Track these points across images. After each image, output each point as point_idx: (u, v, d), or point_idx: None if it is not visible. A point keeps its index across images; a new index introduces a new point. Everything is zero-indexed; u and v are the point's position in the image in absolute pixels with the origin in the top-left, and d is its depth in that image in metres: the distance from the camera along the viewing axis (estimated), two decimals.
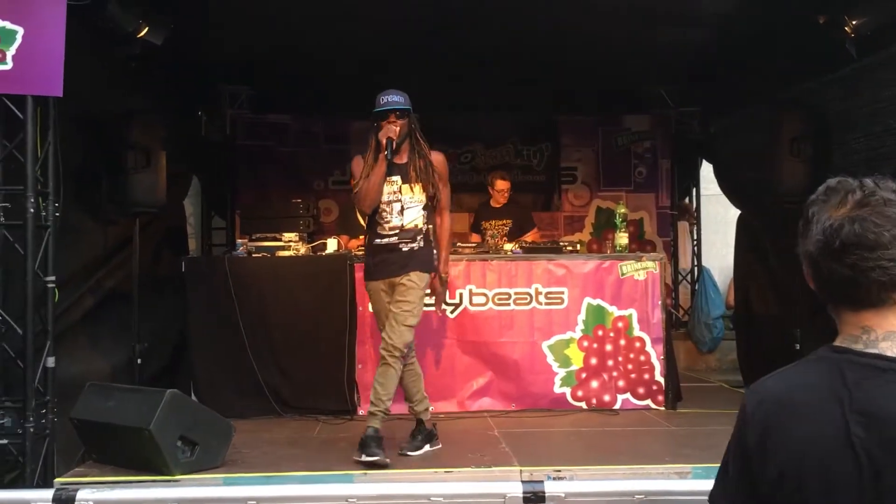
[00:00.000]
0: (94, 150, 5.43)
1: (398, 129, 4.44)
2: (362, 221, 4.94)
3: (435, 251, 4.67)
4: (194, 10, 5.61)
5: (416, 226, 4.53)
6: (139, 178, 5.48)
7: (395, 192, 4.53)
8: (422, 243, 4.55)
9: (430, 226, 4.63)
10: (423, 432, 4.69)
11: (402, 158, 4.55)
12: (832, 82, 5.86)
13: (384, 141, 4.41)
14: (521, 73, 7.42)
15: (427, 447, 4.65)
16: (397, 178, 4.53)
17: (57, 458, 4.26)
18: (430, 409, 4.83)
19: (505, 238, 6.43)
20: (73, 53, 4.21)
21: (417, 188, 4.53)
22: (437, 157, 4.64)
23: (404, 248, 4.50)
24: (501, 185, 6.98)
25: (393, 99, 4.48)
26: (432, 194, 4.58)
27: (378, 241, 4.57)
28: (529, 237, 6.74)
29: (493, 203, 7.04)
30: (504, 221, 6.74)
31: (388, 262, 4.53)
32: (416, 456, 4.54)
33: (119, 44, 5.24)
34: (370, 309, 4.82)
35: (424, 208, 4.57)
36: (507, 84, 7.76)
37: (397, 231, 4.51)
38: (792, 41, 5.97)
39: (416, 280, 4.49)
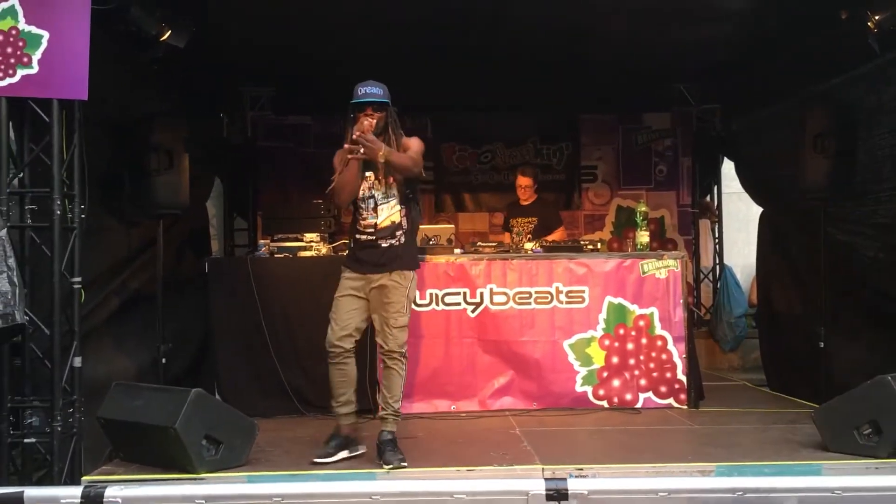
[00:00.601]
0: (117, 153, 5.49)
1: (374, 121, 4.31)
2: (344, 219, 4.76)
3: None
4: (215, 13, 5.66)
5: (393, 222, 4.42)
6: (162, 180, 5.53)
7: (369, 189, 4.42)
8: (402, 239, 4.45)
9: (413, 221, 4.53)
10: (337, 438, 4.47)
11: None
12: (857, 78, 5.81)
13: (356, 136, 4.27)
14: (540, 72, 7.41)
15: (345, 453, 4.41)
16: (370, 174, 4.43)
17: (84, 456, 4.33)
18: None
19: (529, 235, 6.42)
20: (97, 57, 4.27)
21: (388, 184, 4.41)
22: (411, 140, 4.47)
23: (383, 245, 4.41)
24: (521, 180, 6.96)
25: (371, 91, 4.34)
26: (402, 192, 4.45)
27: (358, 236, 4.48)
28: (553, 235, 6.71)
29: (520, 202, 7.01)
30: (529, 219, 6.73)
31: (367, 258, 4.42)
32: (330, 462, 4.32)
33: (142, 47, 5.29)
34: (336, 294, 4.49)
35: (402, 202, 4.45)
36: (526, 83, 7.75)
37: (373, 229, 4.42)
38: (814, 37, 5.93)
39: (398, 279, 4.42)
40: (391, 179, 4.42)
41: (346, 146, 4.32)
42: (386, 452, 4.28)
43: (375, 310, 4.45)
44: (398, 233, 4.45)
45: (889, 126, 5.37)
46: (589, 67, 7.26)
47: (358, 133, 4.26)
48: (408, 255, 4.51)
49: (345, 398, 4.48)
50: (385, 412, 4.44)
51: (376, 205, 4.42)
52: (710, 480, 3.58)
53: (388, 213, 4.42)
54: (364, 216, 4.44)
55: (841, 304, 6.00)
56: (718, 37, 6.50)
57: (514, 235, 6.42)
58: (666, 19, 6.01)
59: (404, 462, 4.23)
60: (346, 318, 4.43)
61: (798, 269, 6.78)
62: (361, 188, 4.44)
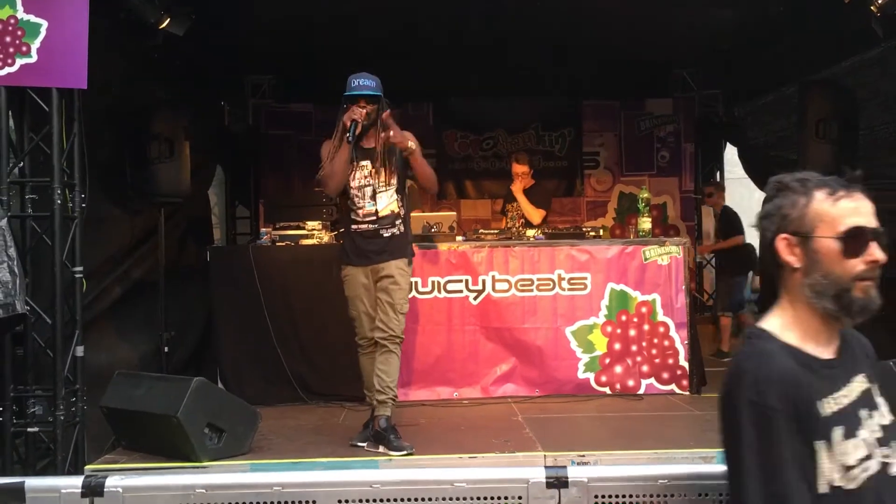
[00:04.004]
0: (118, 141, 5.49)
1: (365, 112, 4.34)
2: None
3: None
4: (216, 1, 5.64)
5: (392, 211, 4.44)
6: (163, 169, 5.54)
7: (366, 177, 4.43)
8: (402, 228, 4.49)
9: (407, 210, 4.56)
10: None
11: (370, 143, 4.44)
12: (862, 64, 5.78)
13: (348, 123, 4.31)
14: (543, 58, 7.38)
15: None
16: (367, 163, 4.43)
17: (88, 445, 4.34)
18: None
19: (522, 220, 6.37)
20: (97, 46, 4.25)
21: (389, 172, 4.43)
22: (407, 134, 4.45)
23: (385, 234, 4.43)
24: (517, 168, 6.87)
25: (364, 83, 4.37)
26: (401, 180, 4.48)
27: (354, 227, 4.48)
28: (528, 211, 6.59)
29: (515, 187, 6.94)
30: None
31: (368, 249, 4.44)
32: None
33: (141, 35, 5.28)
34: (346, 293, 4.56)
35: (398, 191, 4.47)
36: (529, 69, 7.73)
37: (373, 217, 4.42)
38: (818, 22, 5.89)
39: (404, 267, 4.46)
40: (391, 168, 4.42)
41: (346, 136, 4.32)
42: (392, 439, 4.30)
43: (380, 295, 4.44)
44: (398, 222, 4.46)
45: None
46: (591, 53, 7.23)
47: (386, 115, 4.29)
48: (407, 244, 4.55)
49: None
50: (385, 396, 4.42)
51: (375, 193, 4.41)
52: (712, 467, 3.58)
53: (388, 201, 4.42)
54: (361, 205, 4.43)
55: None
56: (721, 22, 6.46)
57: (508, 220, 6.36)
58: (668, 4, 5.98)
59: (412, 449, 4.26)
60: (369, 312, 4.48)
61: None
62: (357, 177, 4.43)
